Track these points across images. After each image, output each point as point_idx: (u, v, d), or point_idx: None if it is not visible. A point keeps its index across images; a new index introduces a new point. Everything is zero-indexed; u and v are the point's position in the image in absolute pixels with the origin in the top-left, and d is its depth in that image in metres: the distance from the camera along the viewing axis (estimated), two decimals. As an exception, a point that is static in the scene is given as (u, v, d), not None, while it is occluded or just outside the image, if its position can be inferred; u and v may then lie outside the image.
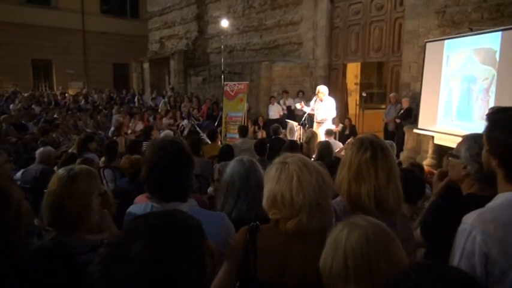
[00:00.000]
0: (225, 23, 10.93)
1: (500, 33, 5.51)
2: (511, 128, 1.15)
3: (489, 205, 1.21)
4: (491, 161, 1.20)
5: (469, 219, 1.17)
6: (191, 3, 14.56)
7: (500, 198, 1.20)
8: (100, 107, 12.38)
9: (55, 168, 4.08)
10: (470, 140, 1.50)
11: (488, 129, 1.21)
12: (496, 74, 5.60)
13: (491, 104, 5.47)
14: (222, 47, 10.54)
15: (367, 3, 9.25)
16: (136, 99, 14.13)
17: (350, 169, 1.41)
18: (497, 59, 5.56)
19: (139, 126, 8.73)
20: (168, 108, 11.62)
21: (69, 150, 5.05)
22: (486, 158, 1.24)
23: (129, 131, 8.20)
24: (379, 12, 9.04)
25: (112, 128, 7.79)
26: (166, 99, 12.72)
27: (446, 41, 6.68)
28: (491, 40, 5.71)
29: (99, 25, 19.32)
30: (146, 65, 15.99)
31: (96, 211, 1.37)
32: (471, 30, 6.57)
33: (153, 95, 14.19)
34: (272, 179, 1.29)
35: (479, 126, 5.70)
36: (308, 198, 1.22)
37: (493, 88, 5.64)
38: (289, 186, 1.24)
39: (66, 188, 1.27)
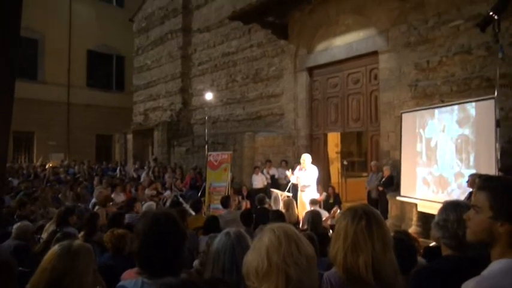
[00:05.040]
0: (209, 96, 11.31)
1: (473, 103, 5.87)
2: None
3: (486, 272, 1.20)
4: (496, 227, 1.22)
5: (468, 287, 1.16)
6: (176, 77, 15.14)
7: (497, 265, 1.20)
8: (81, 179, 12.16)
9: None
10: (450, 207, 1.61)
11: (493, 196, 1.24)
12: (471, 140, 5.85)
13: (469, 169, 5.65)
14: (206, 118, 10.80)
15: (343, 77, 9.81)
16: (118, 170, 13.99)
17: (346, 239, 1.40)
18: (472, 126, 5.85)
19: (121, 197, 8.56)
20: (152, 179, 11.51)
21: (48, 225, 4.85)
22: (485, 225, 1.25)
23: (110, 203, 7.99)
24: (355, 85, 9.56)
25: (93, 200, 7.60)
26: (149, 170, 12.64)
27: (420, 112, 7.04)
28: (463, 109, 6.05)
29: (85, 98, 19.71)
30: (130, 136, 16.10)
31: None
32: (443, 101, 6.99)
33: (136, 166, 14.11)
34: (250, 250, 1.26)
35: (457, 192, 5.83)
36: (275, 268, 1.16)
37: (470, 153, 5.86)
38: (259, 256, 1.19)
39: (67, 265, 1.21)
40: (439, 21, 7.62)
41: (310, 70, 10.56)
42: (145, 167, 13.28)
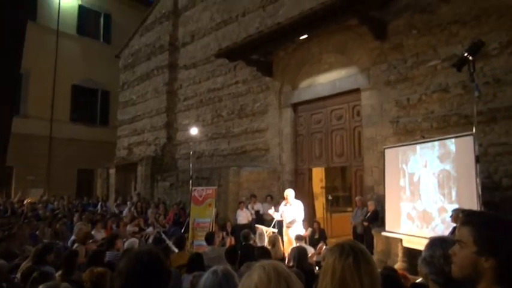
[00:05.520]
0: (194, 131, 11.34)
1: (453, 139, 6.02)
2: (503, 228, 1.22)
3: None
4: (481, 263, 1.22)
5: None
6: (161, 112, 15.18)
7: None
8: (60, 215, 11.80)
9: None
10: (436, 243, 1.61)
11: (477, 231, 1.25)
12: (452, 175, 5.96)
13: (452, 204, 5.71)
14: (191, 152, 10.77)
15: (327, 113, 10.00)
16: (99, 206, 13.66)
17: (334, 276, 1.38)
18: (453, 161, 5.97)
19: (102, 234, 8.30)
20: (134, 214, 11.25)
21: (24, 263, 4.64)
22: (470, 260, 1.25)
23: (90, 240, 7.73)
24: (339, 121, 9.75)
25: (72, 237, 7.34)
26: (131, 206, 12.38)
27: (403, 147, 7.18)
28: (443, 145, 6.20)
29: (67, 132, 19.48)
30: (112, 171, 15.85)
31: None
32: (424, 137, 7.16)
33: (118, 202, 13.81)
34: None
35: (441, 227, 5.86)
36: None
37: (452, 188, 5.95)
38: None
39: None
40: (417, 61, 7.95)
41: (295, 106, 10.75)
42: (128, 203, 13.00)
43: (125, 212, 12.06)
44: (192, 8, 14.66)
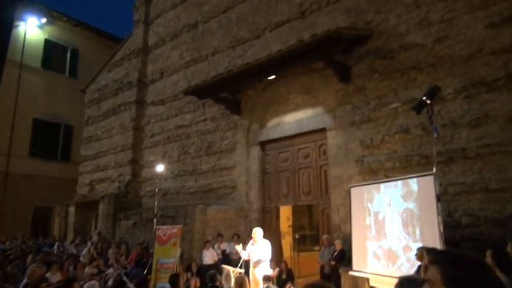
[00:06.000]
0: (160, 168, 11.14)
1: (415, 179, 6.23)
2: (468, 267, 1.24)
3: None
4: None
5: None
6: (127, 148, 14.88)
7: None
8: (12, 256, 11.02)
9: None
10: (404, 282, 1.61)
11: (445, 270, 1.27)
12: (416, 214, 6.11)
13: (416, 243, 5.82)
14: (156, 190, 10.51)
15: (294, 152, 10.16)
16: (56, 246, 12.90)
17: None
18: (415, 200, 6.15)
19: (57, 277, 7.78)
20: (94, 255, 10.68)
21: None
22: None
23: (44, 284, 7.22)
24: (306, 160, 9.90)
25: (24, 281, 6.84)
26: (91, 246, 11.77)
27: (367, 186, 7.34)
28: (406, 184, 6.40)
29: (25, 168, 18.57)
30: (72, 209, 15.16)
31: None
32: (387, 176, 7.38)
33: (76, 241, 13.11)
34: None
35: (407, 265, 5.93)
36: None
37: (416, 227, 6.08)
38: None
39: None
40: (380, 103, 8.33)
41: (263, 144, 10.86)
42: (88, 242, 12.37)
43: (84, 252, 11.44)
44: (162, 46, 14.84)
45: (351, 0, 9.19)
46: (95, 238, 12.88)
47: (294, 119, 10.07)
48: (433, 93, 5.38)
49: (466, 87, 7.14)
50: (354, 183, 8.06)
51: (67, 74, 21.43)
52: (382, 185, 6.95)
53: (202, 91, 11.19)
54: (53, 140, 20.41)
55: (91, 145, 17.00)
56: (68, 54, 21.47)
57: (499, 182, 6.58)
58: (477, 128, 6.96)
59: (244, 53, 11.53)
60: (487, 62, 6.98)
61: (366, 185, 7.48)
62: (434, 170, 5.51)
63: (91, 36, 21.97)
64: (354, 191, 7.59)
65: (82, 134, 17.96)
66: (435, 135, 5.22)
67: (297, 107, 10.05)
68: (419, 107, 5.44)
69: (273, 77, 10.02)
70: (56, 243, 13.26)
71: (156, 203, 9.79)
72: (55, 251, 12.34)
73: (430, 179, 5.74)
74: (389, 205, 6.66)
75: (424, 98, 5.33)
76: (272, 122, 10.62)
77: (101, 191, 15.28)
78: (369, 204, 7.12)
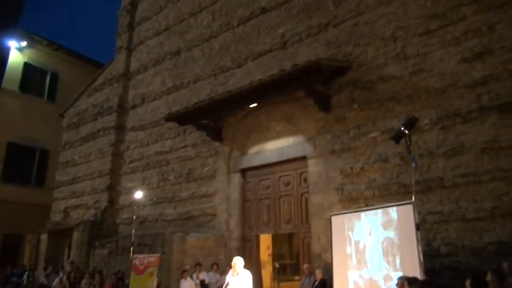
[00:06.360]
0: (138, 194, 10.88)
1: (394, 207, 6.31)
2: None
3: None
4: None
5: None
6: (104, 174, 14.55)
7: None
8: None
9: None
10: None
11: None
12: (396, 243, 6.14)
13: (397, 272, 5.82)
14: (134, 217, 10.25)
15: (275, 179, 10.16)
16: (26, 276, 12.29)
17: None
18: (395, 229, 6.19)
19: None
20: (66, 286, 10.22)
21: None
22: None
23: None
24: (286, 188, 9.90)
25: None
26: (63, 276, 11.27)
27: (348, 214, 7.36)
28: (386, 213, 6.45)
29: (-3, 193, 17.89)
30: (44, 236, 14.57)
31: None
32: (367, 205, 7.44)
33: (48, 271, 12.53)
34: None
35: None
36: None
37: (396, 256, 6.10)
38: None
39: None
40: (359, 133, 8.49)
41: (244, 172, 10.83)
42: (60, 272, 11.84)
43: (55, 283, 10.94)
44: (144, 72, 14.86)
45: (331, 32, 9.51)
46: (67, 267, 12.35)
47: (275, 147, 10.13)
48: (411, 123, 5.53)
49: (441, 119, 7.38)
50: (335, 211, 8.09)
51: (45, 98, 21.10)
52: (362, 214, 6.99)
53: (183, 117, 11.18)
54: (27, 164, 19.81)
55: (67, 170, 16.56)
56: (48, 78, 21.21)
57: (475, 212, 6.72)
58: (453, 158, 7.15)
59: (226, 80, 11.66)
60: (461, 94, 7.27)
61: (346, 213, 7.51)
62: (413, 198, 5.58)
63: (72, 61, 21.83)
64: (335, 220, 7.59)
65: (58, 158, 17.51)
66: (413, 164, 5.32)
67: (278, 135, 10.14)
68: (398, 137, 5.56)
69: (255, 105, 10.14)
70: (26, 273, 12.64)
71: (133, 230, 9.52)
72: (24, 282, 11.77)
73: (409, 207, 5.81)
74: (370, 234, 6.68)
75: (402, 128, 5.46)
76: (253, 150, 10.65)
77: (76, 218, 14.78)
78: (350, 233, 7.12)
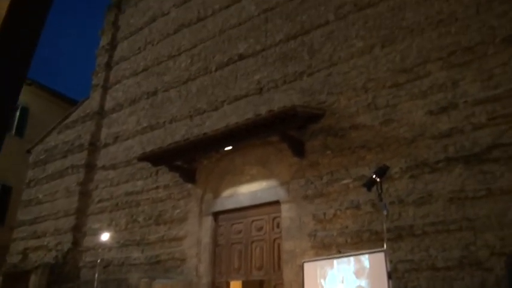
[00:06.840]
0: (105, 236, 10.47)
1: (366, 255, 6.30)
2: None
3: None
4: None
5: None
6: (70, 214, 13.94)
7: None
8: None
9: None
10: None
11: None
12: (367, 294, 6.08)
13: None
14: (98, 261, 9.77)
15: (248, 224, 10.02)
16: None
17: None
18: (367, 277, 6.14)
19: None
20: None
21: None
22: None
23: None
24: (259, 232, 9.76)
25: None
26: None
27: (321, 262, 7.28)
28: (358, 260, 6.42)
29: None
30: (-2, 281, 13.57)
31: None
32: (340, 252, 7.40)
33: (-2, 319, 11.59)
34: None
35: None
36: None
37: (368, 308, 6.01)
38: None
39: None
40: (332, 179, 8.61)
41: (216, 215, 10.65)
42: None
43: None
44: (119, 111, 14.76)
45: (306, 81, 9.86)
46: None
47: (248, 190, 10.08)
48: (383, 172, 5.69)
49: (410, 168, 7.61)
50: (307, 258, 7.99)
51: (13, 132, 20.48)
52: (335, 261, 6.93)
53: (157, 158, 11.05)
54: (-14, 201, 18.84)
55: (30, 209, 15.78)
56: (17, 113, 20.72)
57: (444, 261, 6.80)
58: (422, 206, 7.31)
59: (202, 122, 11.73)
60: (428, 145, 7.57)
61: (319, 260, 7.42)
62: (385, 246, 5.62)
63: (45, 96, 21.50)
64: (307, 267, 7.48)
65: (21, 196, 16.71)
66: (385, 212, 5.42)
67: (252, 179, 10.12)
68: (370, 184, 5.70)
69: (230, 148, 10.18)
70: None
71: (96, 275, 9.05)
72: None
73: (381, 255, 5.82)
74: (342, 282, 6.59)
75: (374, 176, 5.61)
76: (226, 193, 10.55)
77: (35, 261, 13.92)
78: (322, 281, 7.00)
